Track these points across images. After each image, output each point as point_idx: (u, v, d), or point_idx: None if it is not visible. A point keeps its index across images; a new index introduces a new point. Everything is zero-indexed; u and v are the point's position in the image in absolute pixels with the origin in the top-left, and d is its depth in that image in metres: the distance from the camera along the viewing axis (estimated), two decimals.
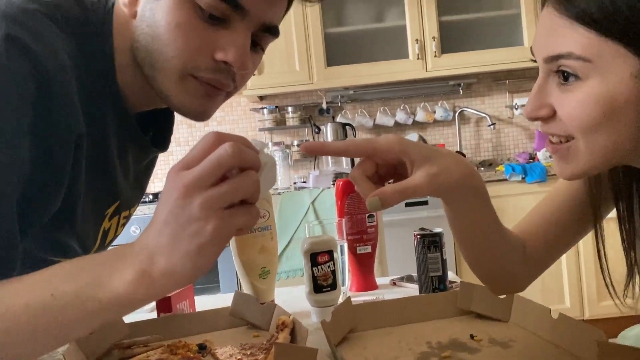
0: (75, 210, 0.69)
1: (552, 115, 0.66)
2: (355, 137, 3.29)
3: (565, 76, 0.63)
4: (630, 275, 0.80)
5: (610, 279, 0.82)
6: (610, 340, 0.64)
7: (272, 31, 0.71)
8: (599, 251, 0.83)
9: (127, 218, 0.87)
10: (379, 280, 1.24)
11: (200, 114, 0.73)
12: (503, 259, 0.78)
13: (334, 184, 2.77)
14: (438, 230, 1.00)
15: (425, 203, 2.70)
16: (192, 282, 0.53)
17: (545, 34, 0.65)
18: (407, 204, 2.70)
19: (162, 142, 0.86)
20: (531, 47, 0.68)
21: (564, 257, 2.75)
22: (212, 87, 0.70)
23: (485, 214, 0.72)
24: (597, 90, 0.61)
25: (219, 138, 0.51)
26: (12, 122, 0.57)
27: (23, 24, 0.58)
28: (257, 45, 0.72)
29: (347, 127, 3.20)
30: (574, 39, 0.61)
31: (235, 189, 0.50)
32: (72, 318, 0.52)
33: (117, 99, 0.71)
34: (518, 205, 2.77)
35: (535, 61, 0.69)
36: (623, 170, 0.75)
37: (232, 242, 1.04)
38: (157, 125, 0.86)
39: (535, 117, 0.67)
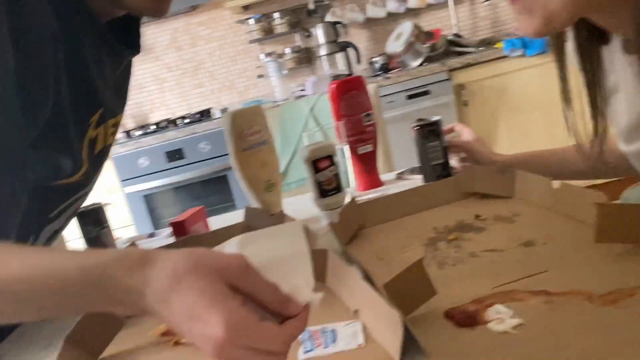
0: (67, 120, 0.70)
1: None
2: (347, 35, 3.18)
3: None
4: (600, 140, 0.78)
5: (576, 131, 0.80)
6: (613, 202, 0.65)
7: None
8: (564, 93, 0.80)
9: (116, 127, 0.87)
10: (387, 176, 1.25)
11: (155, 11, 0.73)
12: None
13: None
14: (436, 118, 0.99)
15: (427, 93, 2.66)
16: None
17: None
18: (410, 96, 2.66)
19: (133, 45, 0.85)
20: None
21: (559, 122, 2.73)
22: None
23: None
24: None
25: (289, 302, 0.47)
26: None
27: None
28: None
29: (338, 25, 3.09)
30: None
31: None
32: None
33: (82, 3, 0.71)
34: (520, 81, 2.71)
35: None
36: (587, 31, 0.72)
37: (234, 161, 1.05)
38: (124, 31, 0.84)
39: None
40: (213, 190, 2.84)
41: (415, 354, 0.51)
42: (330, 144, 1.00)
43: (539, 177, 0.81)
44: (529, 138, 2.72)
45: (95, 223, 1.01)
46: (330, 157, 0.98)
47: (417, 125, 0.99)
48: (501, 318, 0.53)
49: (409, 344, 0.52)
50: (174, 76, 3.37)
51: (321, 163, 0.98)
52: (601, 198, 0.66)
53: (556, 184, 0.78)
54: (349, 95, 1.14)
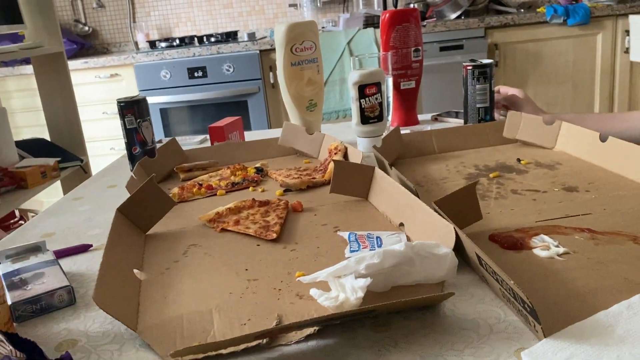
0: None
1: None
2: None
3: None
4: None
5: None
6: None
7: None
8: None
9: None
10: (422, 117, 1.26)
11: None
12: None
13: (365, 27, 2.68)
14: (489, 61, 0.99)
15: (460, 47, 2.62)
16: None
17: None
18: (442, 48, 2.62)
19: None
20: None
21: (596, 102, 2.72)
22: None
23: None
24: None
25: None
26: None
27: None
28: None
29: None
30: None
31: None
32: None
33: None
34: (556, 49, 2.67)
35: None
36: None
37: (281, 77, 1.05)
38: None
39: None
40: (231, 114, 2.82)
41: (461, 266, 0.54)
42: (380, 71, 1.00)
43: (585, 130, 0.82)
44: (554, 109, 2.71)
45: (136, 115, 1.02)
46: (378, 85, 0.99)
47: (469, 66, 0.99)
48: (546, 245, 0.56)
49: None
50: None
51: (368, 89, 0.98)
52: None
53: (604, 138, 0.79)
54: (401, 26, 1.13)
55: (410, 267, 0.50)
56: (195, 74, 2.78)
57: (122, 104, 1.02)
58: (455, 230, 0.52)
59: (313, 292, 0.48)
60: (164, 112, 2.86)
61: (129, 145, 1.04)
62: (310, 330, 0.44)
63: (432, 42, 2.61)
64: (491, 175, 0.79)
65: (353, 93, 1.00)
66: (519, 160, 0.84)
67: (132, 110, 1.01)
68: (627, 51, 2.65)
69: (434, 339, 0.43)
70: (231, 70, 2.75)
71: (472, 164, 0.86)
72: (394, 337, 0.44)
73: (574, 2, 2.83)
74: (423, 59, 1.17)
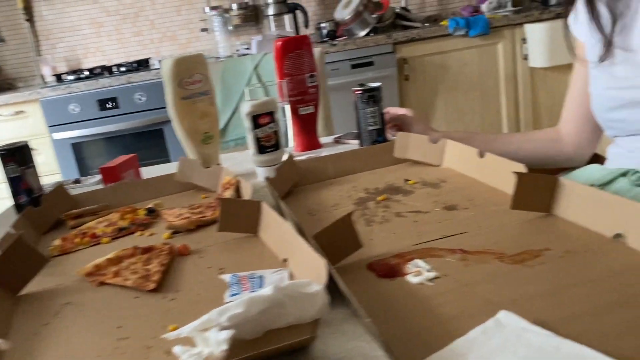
0: None
1: None
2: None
3: None
4: None
5: None
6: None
7: None
8: None
9: None
10: (326, 140, 1.27)
11: None
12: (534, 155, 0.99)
13: None
14: (376, 84, 1.01)
15: (371, 64, 2.69)
16: None
17: None
18: (354, 65, 2.67)
19: None
20: None
21: (503, 106, 2.86)
22: None
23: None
24: None
25: None
26: None
27: None
28: None
29: None
30: None
31: None
32: None
33: None
34: (461, 60, 2.80)
35: None
36: None
37: (172, 112, 1.03)
38: None
39: None
40: (147, 143, 2.76)
41: (337, 302, 0.54)
42: (272, 100, 1.00)
43: (466, 147, 0.86)
44: (464, 116, 2.82)
45: (19, 162, 0.96)
46: (271, 114, 0.99)
47: (358, 90, 1.01)
48: (419, 271, 0.57)
49: (333, 292, 0.54)
50: (112, 21, 3.21)
51: (262, 119, 0.98)
52: (521, 169, 0.71)
53: (482, 153, 0.82)
54: (294, 54, 1.14)
55: (281, 310, 0.49)
56: (106, 106, 2.69)
57: (2, 153, 0.96)
58: (327, 266, 0.52)
59: (177, 349, 0.46)
60: (77, 147, 2.75)
61: (15, 195, 0.98)
62: None
63: (344, 60, 2.66)
64: (379, 198, 0.80)
65: (247, 124, 0.99)
66: (406, 180, 0.86)
67: (13, 158, 0.96)
68: (526, 58, 2.82)
69: None
70: (144, 99, 2.68)
71: (363, 187, 0.87)
72: None
73: (474, 14, 2.98)
74: (319, 84, 1.18)
